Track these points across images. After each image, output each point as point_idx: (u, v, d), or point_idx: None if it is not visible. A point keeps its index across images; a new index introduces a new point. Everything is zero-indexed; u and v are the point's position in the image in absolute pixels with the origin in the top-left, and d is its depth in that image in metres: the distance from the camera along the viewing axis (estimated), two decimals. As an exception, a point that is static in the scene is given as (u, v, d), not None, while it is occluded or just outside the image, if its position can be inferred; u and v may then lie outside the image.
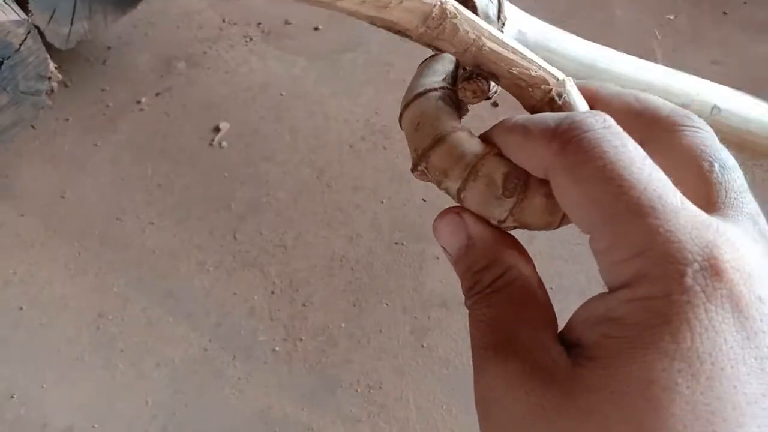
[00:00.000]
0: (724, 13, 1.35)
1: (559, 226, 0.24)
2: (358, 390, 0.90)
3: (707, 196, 0.21)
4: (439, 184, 0.25)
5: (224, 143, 1.15)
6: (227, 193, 1.09)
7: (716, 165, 0.22)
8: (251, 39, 1.32)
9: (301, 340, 0.94)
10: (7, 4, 0.95)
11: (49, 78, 1.00)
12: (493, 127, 0.24)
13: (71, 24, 1.09)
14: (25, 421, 0.88)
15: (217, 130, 1.17)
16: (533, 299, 0.22)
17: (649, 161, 0.19)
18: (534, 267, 0.24)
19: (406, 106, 0.26)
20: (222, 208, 1.07)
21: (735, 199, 0.21)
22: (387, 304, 0.97)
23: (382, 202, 1.07)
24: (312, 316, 0.96)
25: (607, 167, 0.19)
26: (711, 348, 0.17)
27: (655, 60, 1.19)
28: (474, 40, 0.24)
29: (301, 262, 1.01)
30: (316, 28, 1.34)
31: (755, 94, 1.20)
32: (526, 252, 0.24)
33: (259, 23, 1.35)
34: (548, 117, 0.21)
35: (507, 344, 0.21)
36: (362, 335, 0.94)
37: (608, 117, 0.20)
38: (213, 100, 1.22)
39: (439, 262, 1.00)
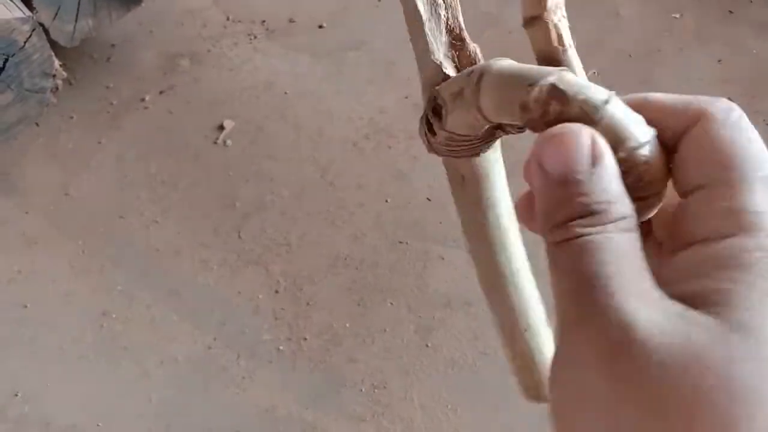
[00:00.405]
0: (730, 11, 1.34)
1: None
2: (363, 389, 0.89)
3: None
4: None
5: (228, 141, 1.15)
6: (231, 191, 1.09)
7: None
8: (255, 37, 1.32)
9: (306, 339, 0.94)
10: (12, 1, 0.95)
11: (54, 75, 1.00)
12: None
13: (76, 21, 1.08)
14: (28, 419, 0.88)
15: (221, 128, 1.17)
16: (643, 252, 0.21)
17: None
18: None
19: None
20: (226, 206, 1.07)
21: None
22: (391, 304, 0.97)
23: (387, 201, 1.07)
24: (316, 315, 0.96)
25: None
26: None
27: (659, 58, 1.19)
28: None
29: (306, 260, 1.01)
30: (320, 26, 1.34)
31: (761, 93, 1.20)
32: None
33: (264, 21, 1.35)
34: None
35: (636, 289, 0.19)
36: (366, 334, 0.94)
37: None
38: (217, 98, 1.22)
39: (444, 261, 1.00)
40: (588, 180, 0.20)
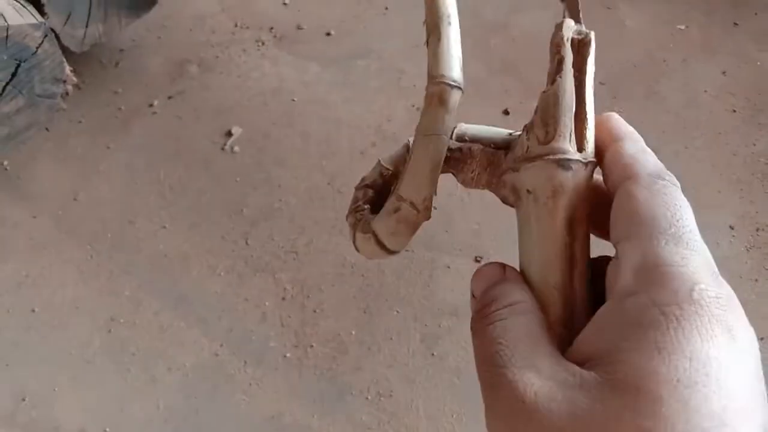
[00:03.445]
0: (735, 23, 1.35)
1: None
2: (369, 397, 0.90)
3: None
4: None
5: (236, 148, 1.16)
6: (239, 197, 1.10)
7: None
8: (264, 44, 1.33)
9: (312, 346, 0.94)
10: (24, 7, 0.96)
11: (65, 81, 1.01)
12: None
13: (86, 27, 1.09)
14: (36, 424, 0.89)
15: (229, 134, 1.18)
16: (546, 331, 0.24)
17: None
18: None
19: None
20: (234, 212, 1.08)
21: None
22: (397, 312, 0.97)
23: (393, 209, 1.07)
24: (323, 323, 0.96)
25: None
26: (711, 350, 0.20)
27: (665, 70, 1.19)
28: None
29: (313, 268, 1.02)
30: (328, 34, 1.34)
31: (765, 105, 1.20)
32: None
33: (272, 28, 1.36)
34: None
35: (528, 362, 0.22)
36: (372, 342, 0.95)
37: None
38: (225, 105, 1.23)
39: (450, 270, 1.01)
40: (497, 285, 0.25)
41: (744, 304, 0.23)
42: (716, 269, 0.22)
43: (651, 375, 0.20)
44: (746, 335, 0.21)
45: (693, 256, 0.22)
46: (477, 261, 1.01)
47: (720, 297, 0.21)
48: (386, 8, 1.37)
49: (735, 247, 1.02)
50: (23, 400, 0.90)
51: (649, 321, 0.21)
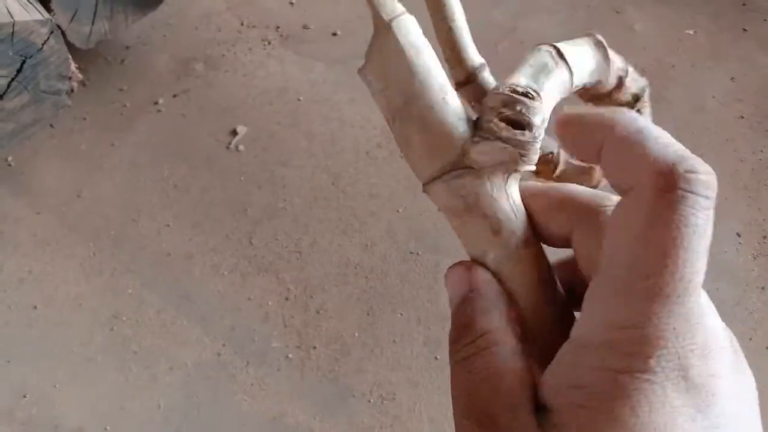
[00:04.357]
0: (744, 29, 1.34)
1: None
2: (371, 400, 0.89)
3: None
4: None
5: (241, 147, 1.16)
6: (243, 197, 1.09)
7: None
8: (269, 43, 1.32)
9: (315, 347, 0.94)
10: (30, 3, 0.96)
11: (70, 78, 1.01)
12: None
13: (92, 24, 1.09)
14: (36, 421, 0.88)
15: (234, 133, 1.17)
16: (512, 367, 0.23)
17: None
18: (520, 323, 0.25)
19: None
20: (238, 212, 1.07)
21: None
22: (401, 314, 0.97)
23: (398, 211, 1.07)
24: (326, 324, 0.96)
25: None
26: (666, 420, 0.19)
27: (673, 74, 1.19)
28: None
29: (316, 268, 1.01)
30: (334, 34, 1.34)
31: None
32: (517, 311, 0.25)
33: (278, 27, 1.35)
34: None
35: (486, 419, 0.22)
36: (375, 345, 0.94)
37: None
38: (230, 103, 1.22)
39: (454, 273, 1.00)
40: (461, 306, 0.25)
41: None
42: None
43: None
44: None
45: (667, 315, 0.22)
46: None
47: (667, 374, 0.21)
48: (393, 9, 1.36)
49: (742, 255, 1.01)
50: (24, 396, 0.90)
51: (591, 388, 0.21)
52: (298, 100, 1.23)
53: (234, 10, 1.39)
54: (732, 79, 1.26)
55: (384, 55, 0.24)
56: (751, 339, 0.90)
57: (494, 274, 0.25)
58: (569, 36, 0.27)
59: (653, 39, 1.33)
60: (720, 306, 0.21)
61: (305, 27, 1.35)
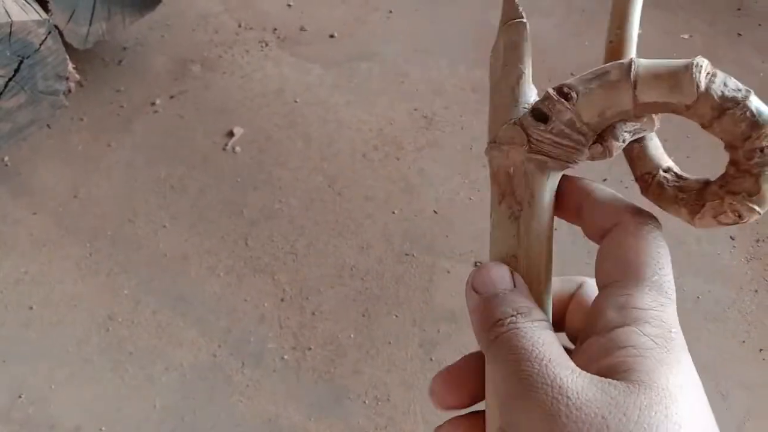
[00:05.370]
0: (739, 34, 1.35)
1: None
2: (366, 401, 0.90)
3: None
4: None
5: (237, 148, 1.16)
6: (240, 198, 1.09)
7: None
8: (267, 44, 1.33)
9: (310, 349, 0.94)
10: (28, 3, 0.96)
11: (67, 78, 1.01)
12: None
13: (90, 24, 1.09)
14: (32, 421, 0.88)
15: (230, 134, 1.18)
16: (552, 338, 0.26)
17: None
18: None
19: None
20: (234, 213, 1.08)
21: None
22: (396, 316, 0.97)
23: (394, 213, 1.08)
24: (321, 326, 0.96)
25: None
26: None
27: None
28: None
29: (312, 270, 1.02)
30: (331, 36, 1.34)
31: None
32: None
33: (275, 29, 1.36)
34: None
35: (563, 361, 0.24)
36: (371, 346, 0.94)
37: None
38: (227, 105, 1.23)
39: (449, 275, 1.00)
40: (511, 294, 0.27)
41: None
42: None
43: (663, 378, 0.23)
44: (695, 375, 0.25)
45: (669, 304, 0.26)
46: (477, 266, 1.01)
47: (683, 344, 0.25)
48: (390, 11, 1.37)
49: (735, 258, 1.02)
50: (20, 396, 0.90)
51: (643, 345, 0.24)
52: (295, 102, 1.23)
53: (231, 12, 1.39)
54: (726, 83, 1.27)
55: (499, 42, 0.32)
56: (744, 342, 0.91)
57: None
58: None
59: (649, 43, 1.34)
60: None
61: (302, 29, 1.36)
